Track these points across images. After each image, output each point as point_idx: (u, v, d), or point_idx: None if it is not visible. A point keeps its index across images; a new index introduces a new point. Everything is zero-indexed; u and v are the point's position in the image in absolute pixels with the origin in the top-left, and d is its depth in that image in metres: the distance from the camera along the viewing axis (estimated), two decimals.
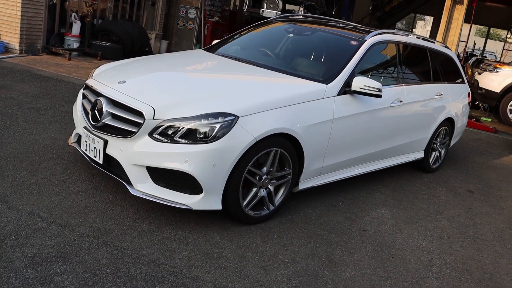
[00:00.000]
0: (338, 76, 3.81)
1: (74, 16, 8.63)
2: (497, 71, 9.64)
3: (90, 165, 3.86)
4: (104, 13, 9.84)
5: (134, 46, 9.83)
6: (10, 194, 3.20)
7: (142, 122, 3.03)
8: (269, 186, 3.38)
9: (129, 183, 3.13)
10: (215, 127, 2.97)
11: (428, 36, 20.79)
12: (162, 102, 3.10)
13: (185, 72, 3.97)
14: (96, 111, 3.26)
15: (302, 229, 3.47)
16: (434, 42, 5.46)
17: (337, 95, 3.75)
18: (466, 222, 4.20)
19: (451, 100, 5.41)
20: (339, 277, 2.95)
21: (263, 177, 3.28)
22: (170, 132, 3.01)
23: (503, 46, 23.10)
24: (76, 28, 8.61)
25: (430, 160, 5.39)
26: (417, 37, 5.15)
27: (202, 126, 2.97)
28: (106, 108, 3.20)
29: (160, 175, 3.07)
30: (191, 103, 3.12)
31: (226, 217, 3.33)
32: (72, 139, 3.73)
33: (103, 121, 3.20)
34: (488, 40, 27.66)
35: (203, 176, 2.96)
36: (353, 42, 4.20)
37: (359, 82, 3.76)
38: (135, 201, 3.39)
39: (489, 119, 10.16)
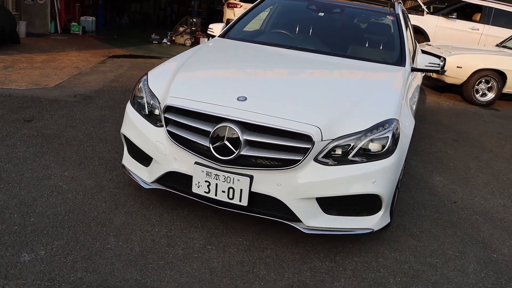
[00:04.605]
0: (405, 56, 3.72)
1: None
2: None
3: (170, 204, 3.08)
4: None
5: (4, 34, 7.85)
6: (143, 278, 2.37)
7: (309, 147, 2.49)
8: None
9: (297, 221, 2.60)
10: (388, 136, 2.63)
11: None
12: (323, 119, 2.58)
13: (287, 74, 3.35)
14: (226, 141, 2.55)
15: (417, 219, 3.41)
16: None
17: (411, 75, 3.69)
18: (493, 171, 4.67)
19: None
20: (505, 255, 3.04)
21: None
22: (339, 152, 2.56)
23: None
24: None
25: None
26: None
27: (376, 139, 2.61)
28: (244, 136, 2.53)
29: (329, 204, 2.62)
30: (348, 114, 2.67)
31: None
32: (150, 178, 2.88)
33: (241, 153, 2.54)
34: None
35: (386, 193, 2.64)
36: (390, 17, 4.11)
37: (424, 60, 3.76)
38: (270, 237, 2.86)
39: None
